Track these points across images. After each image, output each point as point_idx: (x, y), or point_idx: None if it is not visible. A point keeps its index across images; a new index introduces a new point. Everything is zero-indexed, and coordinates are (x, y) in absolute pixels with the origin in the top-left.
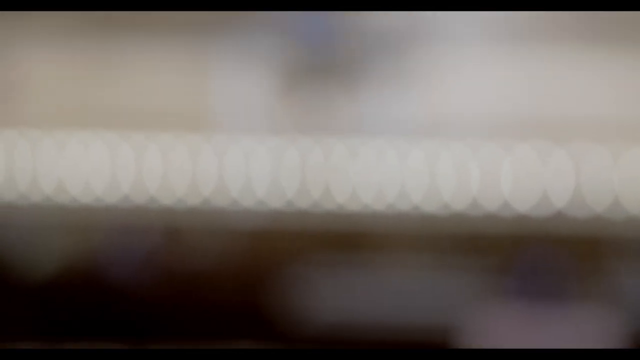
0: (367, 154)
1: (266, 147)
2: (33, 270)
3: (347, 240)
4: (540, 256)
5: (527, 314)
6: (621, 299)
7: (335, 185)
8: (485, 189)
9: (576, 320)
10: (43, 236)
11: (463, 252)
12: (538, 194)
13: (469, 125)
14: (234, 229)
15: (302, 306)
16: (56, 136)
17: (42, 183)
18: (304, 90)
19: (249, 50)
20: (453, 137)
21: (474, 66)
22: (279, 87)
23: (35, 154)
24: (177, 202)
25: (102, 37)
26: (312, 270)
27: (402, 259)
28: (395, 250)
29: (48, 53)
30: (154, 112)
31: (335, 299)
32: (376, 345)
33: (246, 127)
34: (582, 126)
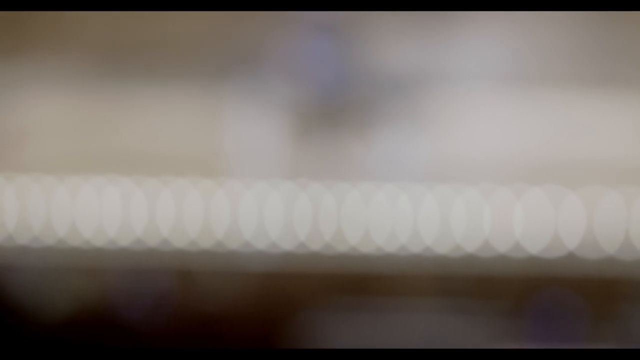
0: (379, 199)
1: (279, 192)
2: (46, 312)
3: (359, 282)
4: (552, 298)
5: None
6: (634, 341)
7: (347, 228)
8: (497, 231)
9: None
10: (56, 278)
11: (475, 294)
12: (550, 235)
13: (481, 169)
14: (247, 271)
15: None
16: (70, 181)
17: (56, 226)
18: (316, 135)
19: (262, 95)
20: (465, 180)
21: (486, 110)
22: (291, 132)
23: (49, 198)
24: (189, 245)
25: (116, 82)
26: (325, 312)
27: (415, 302)
28: (408, 293)
29: (61, 97)
30: (166, 156)
31: (348, 341)
32: None
33: (259, 172)
34: (595, 169)
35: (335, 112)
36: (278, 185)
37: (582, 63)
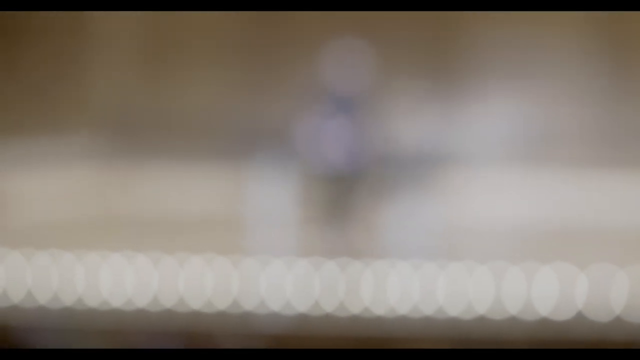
0: (392, 277)
1: (293, 270)
2: None
3: (373, 344)
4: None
5: None
6: None
7: (362, 298)
8: (509, 299)
9: None
10: (74, 338)
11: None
12: (558, 298)
13: (494, 245)
14: (261, 332)
15: None
16: (88, 256)
17: (74, 286)
18: (329, 213)
19: (277, 172)
20: (477, 257)
21: (498, 187)
22: (306, 209)
23: (67, 265)
24: (205, 305)
25: (131, 158)
26: None
27: None
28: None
29: (79, 171)
30: (183, 229)
31: None
32: None
33: (274, 249)
34: (603, 243)
35: (351, 189)
36: (293, 263)
37: (592, 142)
